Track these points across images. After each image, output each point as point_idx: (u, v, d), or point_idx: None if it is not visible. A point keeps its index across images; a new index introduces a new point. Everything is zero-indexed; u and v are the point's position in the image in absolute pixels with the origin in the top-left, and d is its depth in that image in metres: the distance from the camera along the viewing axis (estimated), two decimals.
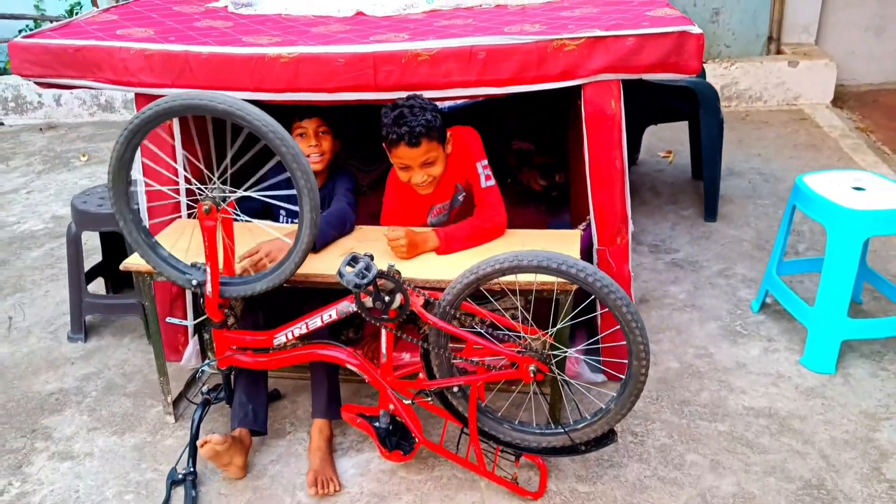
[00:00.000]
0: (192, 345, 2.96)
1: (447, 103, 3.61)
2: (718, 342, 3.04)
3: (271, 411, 2.70)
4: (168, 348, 2.84)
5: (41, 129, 6.16)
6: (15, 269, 3.89)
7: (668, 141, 5.02)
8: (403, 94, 2.47)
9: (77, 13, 6.55)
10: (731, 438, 2.54)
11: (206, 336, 2.94)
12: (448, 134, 2.49)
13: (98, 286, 3.47)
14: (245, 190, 2.19)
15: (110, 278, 3.51)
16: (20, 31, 6.63)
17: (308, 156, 2.66)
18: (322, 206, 2.40)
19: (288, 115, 2.65)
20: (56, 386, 2.96)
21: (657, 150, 4.93)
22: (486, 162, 2.57)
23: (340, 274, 2.05)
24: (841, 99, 5.69)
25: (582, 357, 2.65)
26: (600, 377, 2.77)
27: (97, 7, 6.38)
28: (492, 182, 2.56)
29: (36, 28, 6.71)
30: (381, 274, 2.08)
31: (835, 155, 4.73)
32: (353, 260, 2.08)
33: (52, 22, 6.49)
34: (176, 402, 2.74)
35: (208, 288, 2.27)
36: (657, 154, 4.89)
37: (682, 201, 4.25)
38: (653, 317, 3.19)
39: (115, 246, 3.40)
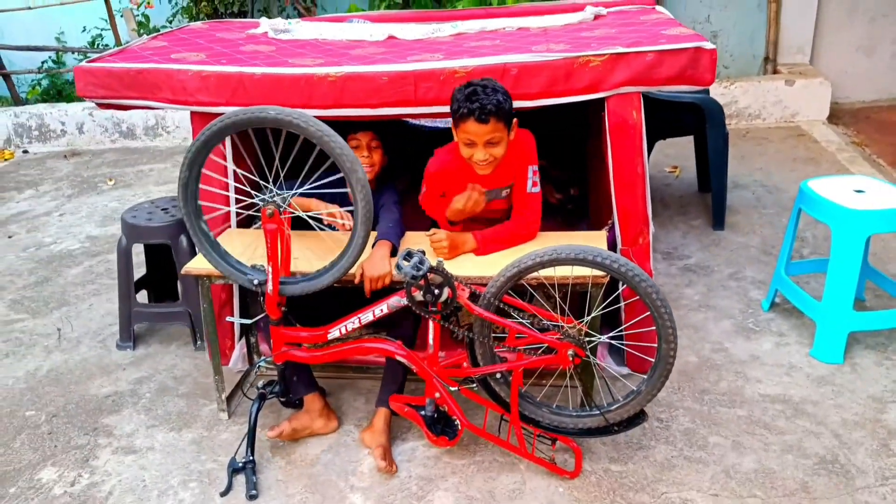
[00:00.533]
0: (239, 348, 3.15)
1: None
2: (733, 338, 3.23)
3: None
4: (214, 356, 3.03)
5: (66, 156, 6.38)
6: (58, 286, 4.08)
7: (675, 157, 5.26)
8: (441, 109, 2.69)
9: (98, 44, 6.81)
10: (749, 422, 2.73)
11: (252, 339, 3.13)
12: (514, 121, 2.58)
13: (141, 298, 3.65)
14: (300, 187, 2.41)
15: (153, 290, 3.70)
16: (42, 63, 6.90)
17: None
18: None
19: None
20: (111, 389, 3.14)
21: (664, 165, 5.16)
22: (536, 167, 2.70)
23: (399, 267, 2.25)
24: (836, 115, 5.94)
25: (612, 342, 2.83)
26: (625, 369, 2.96)
27: (118, 38, 6.65)
28: (537, 189, 2.70)
29: (58, 60, 6.97)
30: (432, 268, 2.29)
31: (833, 167, 4.96)
32: (408, 255, 2.28)
33: (74, 53, 6.77)
34: (228, 401, 2.92)
35: (269, 286, 2.46)
36: (664, 169, 5.11)
37: (690, 212, 4.47)
38: None
39: (157, 259, 3.60)
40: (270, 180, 2.44)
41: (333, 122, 2.74)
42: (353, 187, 2.31)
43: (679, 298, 3.55)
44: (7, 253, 4.53)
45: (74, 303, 3.89)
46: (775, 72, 6.11)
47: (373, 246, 2.61)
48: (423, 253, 2.31)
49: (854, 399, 2.82)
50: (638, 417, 2.44)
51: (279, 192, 2.40)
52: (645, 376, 2.39)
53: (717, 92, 5.76)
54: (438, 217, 2.83)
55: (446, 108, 2.69)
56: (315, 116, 2.70)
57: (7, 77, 6.78)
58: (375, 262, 2.54)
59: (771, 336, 3.23)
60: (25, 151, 6.56)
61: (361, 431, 2.73)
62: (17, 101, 6.82)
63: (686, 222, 4.33)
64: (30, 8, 6.62)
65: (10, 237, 4.77)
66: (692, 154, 4.74)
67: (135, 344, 3.44)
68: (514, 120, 2.59)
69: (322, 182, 2.56)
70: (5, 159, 6.35)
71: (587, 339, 2.34)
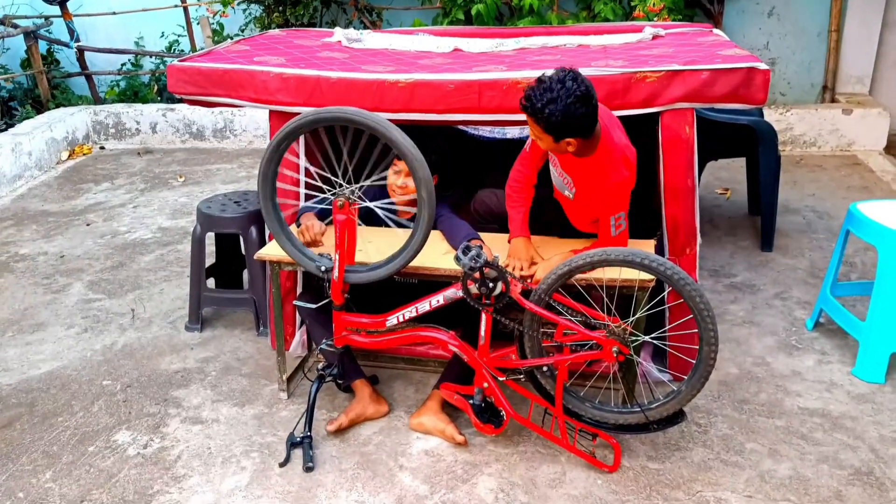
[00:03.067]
0: (299, 335, 3.35)
1: (526, 130, 4.00)
2: (775, 353, 3.32)
3: None
4: (278, 338, 3.23)
5: (139, 153, 6.72)
6: (132, 271, 4.34)
7: (725, 180, 5.34)
8: (504, 117, 2.86)
9: (175, 49, 7.16)
10: (787, 432, 2.81)
11: None
12: (566, 140, 2.43)
13: (209, 285, 3.89)
14: (366, 180, 2.60)
15: (219, 279, 3.92)
16: (122, 65, 7.28)
17: (398, 189, 3.04)
18: None
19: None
20: (180, 366, 3.37)
21: (715, 187, 5.24)
22: (621, 215, 2.59)
23: (457, 258, 2.42)
24: (894, 146, 5.94)
25: (655, 343, 2.95)
26: (667, 375, 3.07)
27: (194, 45, 6.99)
28: (620, 230, 2.62)
29: (136, 62, 7.35)
30: (487, 263, 2.45)
31: (887, 196, 4.98)
32: (466, 248, 2.45)
33: (152, 57, 7.14)
34: (288, 382, 3.11)
35: (335, 273, 2.65)
36: (715, 191, 5.20)
37: (739, 234, 4.55)
38: None
39: (225, 249, 3.83)
40: (340, 175, 2.63)
41: (403, 126, 2.95)
42: (419, 186, 2.49)
43: (723, 314, 3.64)
44: (86, 239, 4.82)
45: (147, 287, 4.14)
46: (833, 100, 6.14)
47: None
48: (481, 248, 2.47)
49: (893, 417, 2.88)
50: (677, 417, 2.55)
51: (349, 185, 2.60)
52: (685, 378, 2.51)
53: (772, 118, 5.82)
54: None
55: (508, 116, 2.87)
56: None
57: (89, 77, 7.17)
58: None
59: (813, 354, 3.30)
60: (102, 147, 6.92)
61: (412, 416, 2.89)
62: (96, 100, 7.20)
63: (734, 243, 4.41)
64: (113, 13, 6.99)
65: (87, 225, 5.07)
66: (744, 178, 4.83)
67: (202, 326, 3.66)
68: (571, 140, 2.43)
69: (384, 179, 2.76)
70: (84, 154, 6.71)
71: (631, 338, 2.47)
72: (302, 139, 3.12)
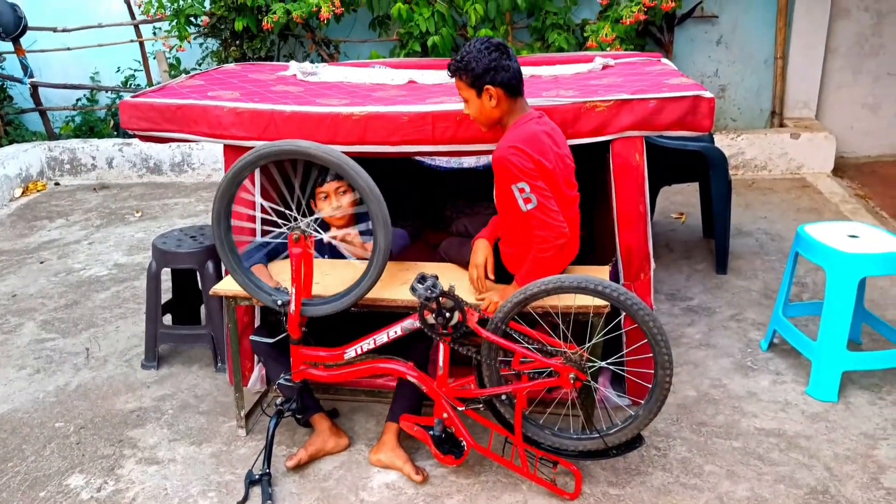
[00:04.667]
0: (258, 370, 3.31)
1: (483, 161, 4.05)
2: (731, 375, 3.36)
3: None
4: (235, 374, 3.19)
5: (95, 189, 6.63)
6: (87, 308, 4.27)
7: (680, 204, 5.44)
8: (457, 147, 2.89)
9: (131, 84, 7.12)
10: (744, 453, 2.85)
11: None
12: (486, 88, 2.56)
13: (166, 321, 3.83)
14: (322, 215, 2.60)
15: (176, 315, 3.87)
16: (77, 101, 7.21)
17: (334, 213, 3.07)
18: None
19: None
20: (136, 405, 3.31)
21: (670, 211, 5.34)
22: (522, 185, 2.51)
23: (413, 289, 2.43)
24: (841, 169, 6.12)
25: (611, 368, 2.97)
26: (625, 400, 3.09)
27: (150, 79, 6.96)
28: (531, 205, 2.52)
29: (92, 97, 7.29)
30: (444, 293, 2.46)
31: (835, 218, 5.11)
32: (422, 278, 2.46)
33: (108, 92, 7.09)
34: (246, 418, 3.07)
35: (292, 307, 2.64)
36: (670, 215, 5.29)
37: (694, 257, 4.63)
38: None
39: (181, 285, 3.79)
40: (294, 209, 2.63)
41: (357, 159, 2.97)
42: (374, 217, 2.50)
43: (680, 337, 3.69)
44: (39, 277, 4.74)
45: (102, 325, 4.07)
46: (781, 125, 6.31)
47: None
48: (436, 277, 2.48)
49: (846, 435, 2.93)
50: (635, 442, 2.57)
51: (305, 219, 2.60)
52: (643, 402, 2.53)
53: (724, 143, 5.96)
54: None
55: (463, 147, 2.90)
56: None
57: (43, 113, 7.09)
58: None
59: (768, 374, 3.36)
60: (57, 184, 6.83)
61: (371, 452, 2.87)
62: (51, 136, 7.11)
63: (690, 266, 4.48)
64: (68, 49, 6.93)
65: (41, 262, 4.98)
66: (698, 202, 4.92)
67: (159, 364, 3.61)
68: (491, 88, 2.55)
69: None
70: (38, 190, 6.61)
71: (588, 364, 2.49)
72: (257, 173, 3.11)
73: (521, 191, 2.51)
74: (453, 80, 2.68)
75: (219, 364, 3.55)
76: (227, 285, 2.89)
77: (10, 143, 6.95)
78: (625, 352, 2.81)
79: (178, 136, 3.09)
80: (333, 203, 3.06)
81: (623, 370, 2.79)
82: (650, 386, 2.49)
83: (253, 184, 3.07)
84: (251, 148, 2.63)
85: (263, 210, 2.95)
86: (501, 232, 2.79)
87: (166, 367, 3.62)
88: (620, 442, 2.56)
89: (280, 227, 2.64)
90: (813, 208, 5.33)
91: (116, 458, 2.95)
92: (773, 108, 6.34)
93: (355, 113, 2.91)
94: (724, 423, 3.03)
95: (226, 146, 3.09)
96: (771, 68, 6.26)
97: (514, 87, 2.61)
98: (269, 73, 3.73)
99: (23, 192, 6.50)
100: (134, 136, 3.17)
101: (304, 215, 2.62)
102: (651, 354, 2.43)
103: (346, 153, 2.93)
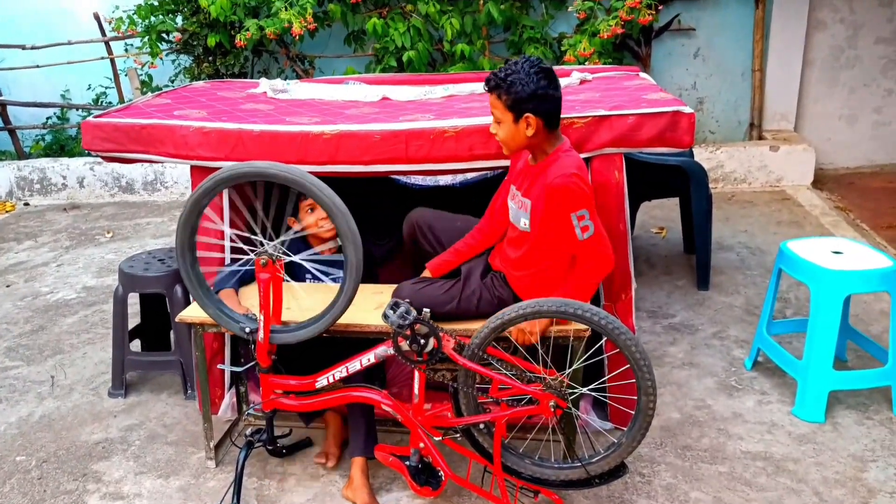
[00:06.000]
0: (229, 397, 3.19)
1: (459, 178, 3.97)
2: (716, 395, 3.29)
3: (303, 457, 2.94)
4: (204, 404, 3.07)
5: (65, 209, 6.49)
6: (53, 334, 4.13)
7: (660, 219, 5.39)
8: (431, 166, 2.81)
9: (102, 102, 6.99)
10: (731, 478, 2.77)
11: (242, 388, 3.18)
12: (527, 116, 2.39)
13: (134, 347, 3.70)
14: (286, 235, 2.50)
15: (146, 340, 3.74)
16: (47, 119, 7.07)
17: (320, 226, 2.99)
18: None
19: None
20: (102, 436, 3.18)
21: (650, 226, 5.28)
22: (582, 213, 2.41)
23: (385, 316, 2.33)
24: (820, 181, 6.10)
25: (593, 394, 2.89)
26: (608, 424, 3.00)
27: (122, 96, 6.83)
28: (589, 234, 2.43)
29: (62, 116, 7.14)
30: (418, 319, 2.36)
31: (816, 231, 5.08)
32: (395, 305, 2.36)
33: (79, 110, 6.95)
34: (217, 449, 2.95)
35: (260, 335, 2.53)
36: (651, 230, 5.23)
37: (675, 272, 4.57)
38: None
39: (150, 309, 3.66)
40: (261, 233, 2.53)
41: (328, 179, 2.87)
42: (344, 239, 2.40)
43: (663, 356, 3.61)
44: (4, 302, 4.59)
45: (69, 351, 3.94)
46: (760, 137, 6.29)
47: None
48: (410, 303, 2.38)
49: (835, 457, 2.86)
50: (619, 470, 2.48)
51: (274, 243, 2.49)
52: (625, 429, 2.44)
53: (703, 156, 5.93)
54: None
55: (437, 166, 2.82)
56: (311, 172, 2.86)
57: (12, 132, 6.93)
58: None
59: (753, 394, 3.29)
60: (26, 204, 6.67)
61: (343, 488, 2.76)
62: (20, 155, 6.96)
63: (671, 282, 4.42)
64: (37, 66, 6.78)
65: (7, 286, 4.83)
66: (678, 216, 4.87)
67: (126, 392, 3.48)
68: (531, 117, 2.39)
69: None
70: (7, 211, 6.46)
71: (569, 390, 2.40)
72: (225, 196, 3.01)
73: (581, 218, 2.42)
74: (487, 93, 2.47)
75: (188, 391, 3.43)
76: (194, 312, 2.78)
77: None
78: (606, 377, 2.72)
79: (143, 156, 2.98)
80: (320, 213, 2.97)
81: (605, 396, 2.70)
82: (633, 412, 2.41)
83: (218, 210, 2.96)
84: (219, 168, 2.53)
85: (230, 236, 2.85)
86: (525, 259, 2.63)
87: (134, 394, 3.49)
88: (603, 471, 2.47)
89: (247, 252, 2.54)
90: (793, 221, 5.30)
91: (80, 494, 2.82)
92: (751, 120, 6.32)
93: (326, 132, 2.81)
94: (709, 447, 2.95)
95: (193, 167, 2.98)
96: (749, 80, 6.24)
97: (555, 119, 2.46)
98: (238, 91, 3.63)
99: None
100: (98, 157, 3.06)
101: (270, 238, 2.52)
102: (634, 380, 2.35)
103: (317, 173, 2.83)
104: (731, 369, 3.49)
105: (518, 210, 2.63)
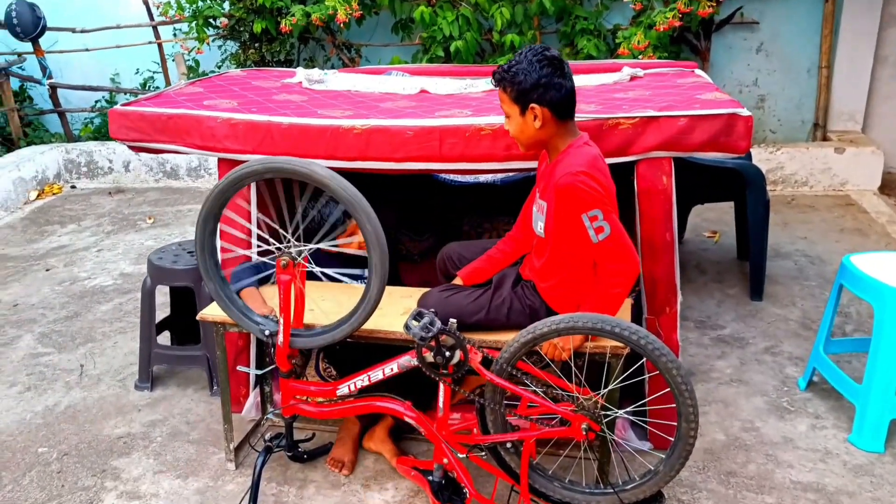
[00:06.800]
0: (253, 397, 3.10)
1: (500, 175, 3.81)
2: (765, 417, 3.08)
3: (324, 464, 2.83)
4: (224, 405, 2.98)
5: (110, 193, 6.51)
6: (86, 321, 4.10)
7: (714, 222, 5.13)
8: (466, 165, 2.65)
9: (150, 86, 6.99)
10: None
11: (267, 388, 3.08)
12: (532, 107, 2.29)
13: (163, 339, 3.64)
14: (315, 243, 2.37)
15: (175, 332, 3.68)
16: (96, 102, 7.10)
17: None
18: None
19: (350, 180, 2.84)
20: (124, 430, 3.12)
21: (703, 230, 5.04)
22: (595, 213, 2.25)
23: (407, 327, 2.19)
24: (889, 186, 5.76)
25: (631, 419, 2.71)
26: (647, 444, 2.82)
27: (169, 81, 6.82)
28: (604, 235, 2.26)
29: (111, 99, 7.17)
30: (443, 330, 2.22)
31: (882, 240, 4.78)
32: (419, 315, 2.22)
33: (127, 94, 6.96)
34: (237, 450, 2.86)
35: (280, 338, 2.42)
36: (703, 234, 4.99)
37: (727, 280, 4.33)
38: (699, 389, 3.24)
39: (182, 301, 3.59)
40: (289, 232, 2.41)
41: (362, 175, 2.74)
42: (369, 240, 2.27)
43: (710, 371, 3.40)
44: (43, 286, 4.59)
45: (100, 339, 3.90)
46: (825, 138, 5.97)
47: None
48: (435, 313, 2.24)
49: (894, 493, 2.63)
50: (655, 499, 2.31)
51: (297, 243, 2.37)
52: (664, 455, 2.27)
53: (762, 157, 5.64)
54: None
55: (471, 165, 2.66)
56: (341, 168, 2.72)
57: (62, 115, 6.99)
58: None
59: (806, 417, 3.06)
60: (73, 187, 6.72)
61: (364, 440, 2.84)
62: (69, 137, 7.02)
63: (722, 290, 4.19)
64: (87, 49, 6.82)
65: (47, 270, 4.84)
66: (732, 219, 4.62)
67: (153, 385, 3.42)
68: (537, 108, 2.29)
69: (340, 235, 2.54)
70: (54, 193, 6.51)
71: (603, 412, 2.23)
72: (254, 189, 2.90)
73: (594, 219, 2.25)
74: (497, 89, 2.39)
75: (214, 388, 3.35)
76: (216, 310, 2.68)
77: (29, 144, 6.85)
78: (647, 399, 2.54)
79: (169, 147, 2.89)
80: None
81: (644, 421, 2.52)
82: (672, 439, 2.23)
83: (247, 201, 2.86)
84: (245, 162, 2.41)
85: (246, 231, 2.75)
86: (547, 268, 2.48)
87: (161, 388, 3.43)
88: (638, 499, 2.30)
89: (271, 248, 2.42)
90: (857, 229, 4.99)
91: (97, 491, 2.75)
92: (815, 119, 5.99)
93: (357, 126, 2.68)
94: (755, 474, 2.74)
95: (220, 160, 2.88)
96: (815, 77, 5.91)
97: (564, 109, 2.33)
98: (273, 81, 3.52)
99: (38, 195, 6.39)
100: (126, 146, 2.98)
101: (298, 240, 2.40)
102: (674, 405, 2.17)
103: (348, 169, 2.72)
104: (783, 389, 3.26)
105: (537, 214, 2.48)
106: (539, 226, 2.45)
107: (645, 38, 5.24)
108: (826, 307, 3.17)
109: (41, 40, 6.76)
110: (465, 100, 3.08)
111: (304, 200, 2.58)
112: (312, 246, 2.37)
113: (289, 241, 2.38)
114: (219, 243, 2.82)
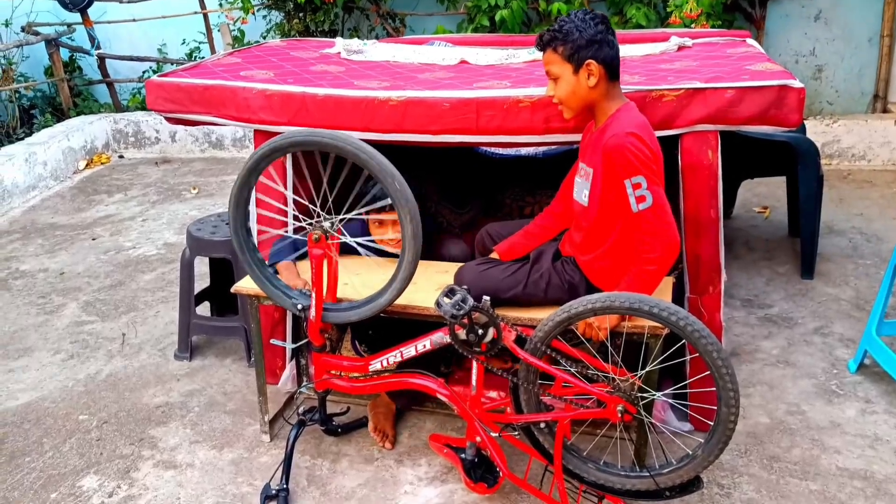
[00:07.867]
0: (289, 369, 3.11)
1: (542, 148, 3.71)
2: (812, 400, 2.97)
3: (359, 437, 2.82)
4: (266, 371, 2.99)
5: (157, 163, 6.59)
6: (130, 291, 4.16)
7: (764, 197, 4.97)
8: (503, 138, 2.58)
9: (196, 57, 7.02)
10: (823, 499, 2.48)
11: (303, 361, 3.08)
12: (588, 63, 2.22)
13: (203, 310, 3.67)
14: (347, 214, 2.33)
15: (215, 303, 3.71)
16: (143, 73, 7.16)
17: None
18: None
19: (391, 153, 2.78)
20: (163, 399, 3.15)
21: (753, 205, 4.88)
22: (639, 179, 2.15)
23: (438, 304, 2.15)
24: None
25: (670, 401, 2.64)
26: (687, 426, 2.75)
27: (214, 52, 6.83)
28: (646, 204, 2.16)
29: (158, 70, 7.22)
30: (476, 307, 2.17)
31: None
32: (451, 292, 2.17)
33: (173, 64, 6.99)
34: (272, 422, 2.87)
35: (312, 312, 2.40)
36: (753, 209, 4.83)
37: (777, 257, 4.19)
38: (743, 371, 3.15)
39: (222, 272, 3.61)
40: (319, 205, 2.37)
41: (402, 148, 2.69)
42: (401, 213, 2.22)
43: (755, 351, 3.30)
44: (89, 255, 4.67)
45: (143, 308, 3.96)
46: (885, 110, 5.71)
47: None
48: (468, 290, 2.19)
49: None
50: (693, 484, 2.24)
51: (328, 217, 2.34)
52: (702, 440, 2.20)
53: (817, 129, 5.43)
54: None
55: (509, 138, 2.59)
56: (376, 141, 2.68)
57: (110, 85, 7.08)
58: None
59: (856, 401, 2.95)
60: (121, 156, 6.82)
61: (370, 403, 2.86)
62: (118, 108, 7.10)
63: (771, 268, 4.05)
64: (134, 20, 6.87)
65: (93, 239, 4.92)
66: (784, 194, 4.46)
67: (192, 355, 3.45)
68: (593, 64, 2.22)
69: (372, 207, 2.50)
70: (102, 163, 6.61)
71: (640, 394, 2.17)
72: (290, 161, 2.87)
73: (637, 186, 2.15)
74: (541, 54, 2.32)
75: (251, 358, 3.37)
76: (250, 283, 2.67)
77: (79, 114, 6.96)
78: (685, 382, 2.46)
79: (205, 118, 2.88)
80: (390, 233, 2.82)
81: (685, 404, 2.45)
82: (712, 423, 2.15)
83: (280, 173, 2.83)
84: (280, 133, 2.37)
85: (284, 202, 2.72)
86: (588, 240, 2.41)
87: (199, 358, 3.46)
88: (675, 483, 2.23)
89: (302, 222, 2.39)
90: None
91: (134, 460, 2.80)
92: (875, 91, 5.74)
93: (393, 98, 2.63)
94: (800, 459, 2.65)
95: (256, 131, 2.86)
96: (876, 47, 5.65)
97: (615, 69, 2.28)
98: (312, 51, 3.48)
99: (87, 165, 6.49)
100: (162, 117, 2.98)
101: (329, 213, 2.37)
102: (714, 388, 2.09)
103: (383, 141, 2.68)
104: (832, 371, 3.15)
105: (581, 182, 2.40)
106: (584, 194, 2.37)
107: (697, 6, 5.05)
108: (881, 287, 3.03)
109: (90, 11, 6.82)
110: (505, 70, 3.00)
111: (360, 181, 2.55)
112: (344, 217, 2.34)
113: (319, 214, 2.35)
114: (253, 214, 2.83)
